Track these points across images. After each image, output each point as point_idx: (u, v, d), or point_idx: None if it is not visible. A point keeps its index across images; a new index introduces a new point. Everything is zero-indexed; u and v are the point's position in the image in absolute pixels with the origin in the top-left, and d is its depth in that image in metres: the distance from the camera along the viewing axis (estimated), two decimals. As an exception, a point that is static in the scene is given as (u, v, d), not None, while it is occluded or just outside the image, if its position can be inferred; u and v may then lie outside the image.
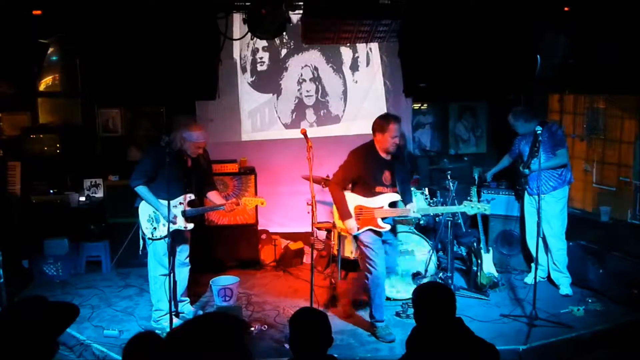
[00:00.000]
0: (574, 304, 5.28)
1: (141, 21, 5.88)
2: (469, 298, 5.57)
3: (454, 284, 5.46)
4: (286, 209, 7.10)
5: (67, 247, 6.20)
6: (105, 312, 5.38)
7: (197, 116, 6.93)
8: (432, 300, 2.83)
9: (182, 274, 5.12)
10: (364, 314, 5.15)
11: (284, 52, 7.14)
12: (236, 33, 6.67)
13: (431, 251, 5.49)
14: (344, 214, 4.82)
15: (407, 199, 4.93)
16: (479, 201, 5.62)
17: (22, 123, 6.78)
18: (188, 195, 4.94)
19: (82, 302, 5.50)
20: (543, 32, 6.40)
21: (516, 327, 4.95)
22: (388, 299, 5.29)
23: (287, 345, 4.37)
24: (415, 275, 5.48)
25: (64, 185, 6.65)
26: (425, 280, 5.31)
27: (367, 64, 7.28)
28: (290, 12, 6.36)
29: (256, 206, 6.57)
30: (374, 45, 7.16)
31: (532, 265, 5.68)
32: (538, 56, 6.44)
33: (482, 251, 5.71)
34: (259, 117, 7.21)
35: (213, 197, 5.19)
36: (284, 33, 6.47)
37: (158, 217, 4.86)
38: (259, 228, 6.78)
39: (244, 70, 7.13)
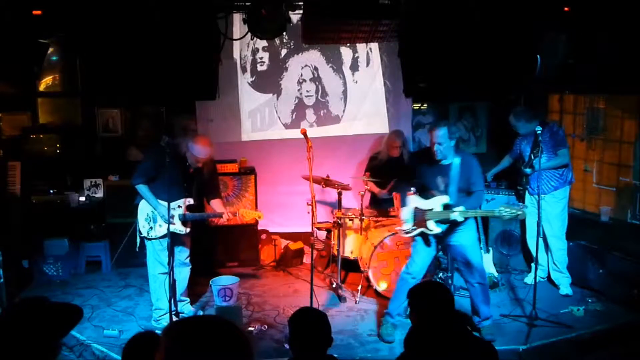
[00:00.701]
0: (574, 304, 5.28)
1: (141, 21, 5.88)
2: (469, 298, 5.55)
3: (454, 284, 5.45)
4: (286, 209, 7.10)
5: (67, 247, 6.20)
6: (105, 312, 5.39)
7: (197, 116, 6.94)
8: (431, 300, 2.82)
9: (182, 274, 5.13)
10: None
11: (284, 52, 7.13)
12: (236, 33, 6.66)
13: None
14: None
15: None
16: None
17: (22, 123, 6.78)
18: (187, 199, 4.96)
19: (82, 302, 5.48)
20: (543, 32, 6.39)
21: (516, 327, 4.95)
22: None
23: (287, 345, 4.33)
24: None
25: (64, 185, 6.65)
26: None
27: (367, 64, 7.27)
28: (290, 12, 6.36)
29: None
30: (374, 45, 7.15)
31: (532, 265, 5.68)
32: (538, 56, 6.44)
33: (482, 251, 5.71)
34: (259, 117, 7.20)
35: (215, 205, 5.23)
36: (284, 33, 6.47)
37: (156, 217, 4.89)
38: (259, 228, 6.77)
39: (244, 70, 7.12)
